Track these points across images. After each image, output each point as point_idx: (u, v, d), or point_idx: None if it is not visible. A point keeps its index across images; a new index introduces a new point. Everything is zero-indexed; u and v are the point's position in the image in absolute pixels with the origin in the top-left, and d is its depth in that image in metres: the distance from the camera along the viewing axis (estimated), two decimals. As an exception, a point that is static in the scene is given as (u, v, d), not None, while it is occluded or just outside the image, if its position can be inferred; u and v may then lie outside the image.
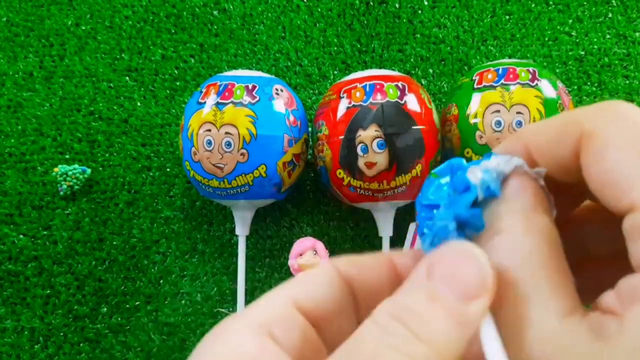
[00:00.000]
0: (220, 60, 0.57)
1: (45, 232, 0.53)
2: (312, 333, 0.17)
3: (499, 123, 0.42)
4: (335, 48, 0.56)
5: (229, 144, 0.43)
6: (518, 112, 0.42)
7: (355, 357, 0.14)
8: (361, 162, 0.43)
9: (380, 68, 0.55)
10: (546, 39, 0.55)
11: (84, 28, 0.58)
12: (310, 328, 0.17)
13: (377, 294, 0.18)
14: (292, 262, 0.50)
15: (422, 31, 0.56)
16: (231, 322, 0.17)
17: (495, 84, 0.43)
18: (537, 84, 0.43)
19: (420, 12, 0.57)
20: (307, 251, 0.49)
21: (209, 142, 0.44)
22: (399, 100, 0.43)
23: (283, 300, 0.17)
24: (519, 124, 0.42)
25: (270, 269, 0.52)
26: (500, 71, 0.44)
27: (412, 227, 0.50)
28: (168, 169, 0.54)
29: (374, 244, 0.51)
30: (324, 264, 0.19)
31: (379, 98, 0.43)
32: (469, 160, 0.44)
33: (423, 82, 0.55)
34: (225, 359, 0.15)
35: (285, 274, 0.51)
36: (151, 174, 0.54)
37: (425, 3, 0.57)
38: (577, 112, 0.16)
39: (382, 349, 0.14)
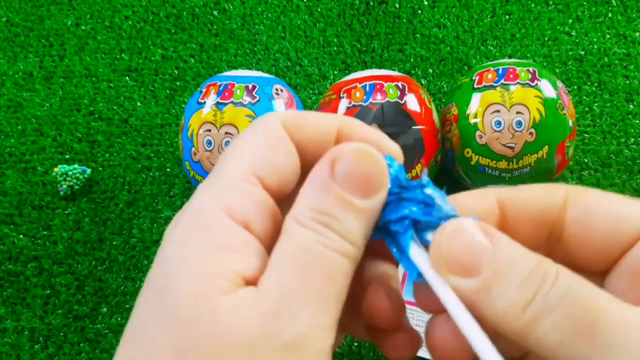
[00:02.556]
0: (220, 60, 0.57)
1: (45, 232, 0.53)
2: (277, 211, 0.18)
3: (498, 123, 0.42)
4: (335, 48, 0.56)
5: (229, 144, 0.43)
6: (518, 112, 0.42)
7: (300, 257, 0.15)
8: (361, 162, 0.43)
9: (380, 68, 0.55)
10: (546, 39, 0.55)
11: (84, 28, 0.58)
12: (275, 205, 0.17)
13: (314, 154, 0.18)
14: None
15: (422, 31, 0.56)
16: (207, 211, 0.16)
17: (495, 84, 0.43)
18: (537, 84, 0.43)
19: (420, 12, 0.57)
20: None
21: (209, 142, 0.44)
22: (399, 100, 0.43)
23: (249, 177, 0.17)
24: (519, 124, 0.42)
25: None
26: (500, 71, 0.44)
27: None
28: (168, 169, 0.54)
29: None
30: (273, 120, 0.18)
31: (379, 98, 0.43)
32: (468, 160, 0.44)
33: (423, 82, 0.55)
34: (212, 256, 0.16)
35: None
36: (151, 174, 0.54)
37: (425, 3, 0.57)
38: (554, 184, 0.18)
39: (321, 248, 0.16)
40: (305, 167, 0.18)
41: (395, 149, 0.19)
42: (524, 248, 0.16)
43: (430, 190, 0.17)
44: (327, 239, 0.16)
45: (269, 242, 0.17)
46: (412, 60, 0.56)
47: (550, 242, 0.17)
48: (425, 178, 0.18)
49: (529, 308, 0.15)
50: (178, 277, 0.15)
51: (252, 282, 0.16)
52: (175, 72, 0.56)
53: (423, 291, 0.18)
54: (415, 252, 0.17)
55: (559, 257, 0.17)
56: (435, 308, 0.17)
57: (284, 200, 0.18)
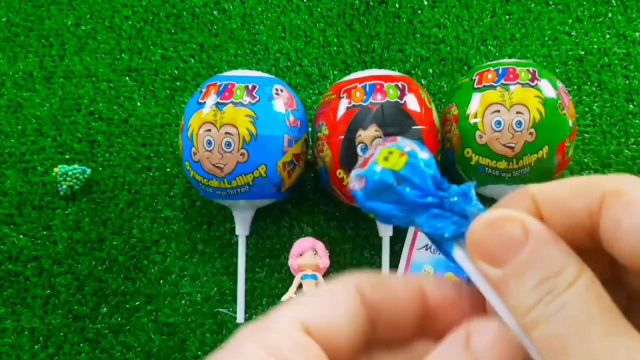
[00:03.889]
0: (220, 60, 0.57)
1: (45, 232, 0.53)
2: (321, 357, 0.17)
3: (498, 123, 0.42)
4: (335, 48, 0.56)
5: (228, 144, 0.43)
6: (518, 112, 0.42)
7: None
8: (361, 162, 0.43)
9: (380, 68, 0.55)
10: (546, 39, 0.55)
11: (83, 28, 0.58)
12: (322, 354, 0.17)
13: (399, 322, 0.18)
14: (292, 262, 0.50)
15: (422, 31, 0.56)
16: (244, 345, 0.16)
17: (495, 84, 0.43)
18: (537, 84, 0.43)
19: (420, 12, 0.57)
20: (307, 251, 0.49)
21: (209, 142, 0.44)
22: (398, 100, 0.43)
23: (294, 323, 0.16)
24: (519, 123, 0.42)
25: (270, 269, 0.52)
26: (500, 71, 0.44)
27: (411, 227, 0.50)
28: (168, 169, 0.54)
29: (373, 244, 0.51)
30: (344, 282, 0.17)
31: (379, 98, 0.43)
32: (468, 160, 0.44)
33: (423, 82, 0.55)
34: None
35: (285, 274, 0.51)
36: (151, 174, 0.54)
37: (425, 3, 0.57)
38: (591, 177, 0.16)
39: None
40: (390, 333, 0.18)
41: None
42: (556, 248, 0.16)
43: (473, 200, 0.17)
44: None
45: None
46: (412, 60, 0.56)
47: (594, 239, 0.17)
48: (471, 187, 0.17)
49: (532, 312, 0.15)
50: None
51: None
52: (175, 72, 0.56)
53: (469, 294, 0.18)
54: (459, 256, 0.17)
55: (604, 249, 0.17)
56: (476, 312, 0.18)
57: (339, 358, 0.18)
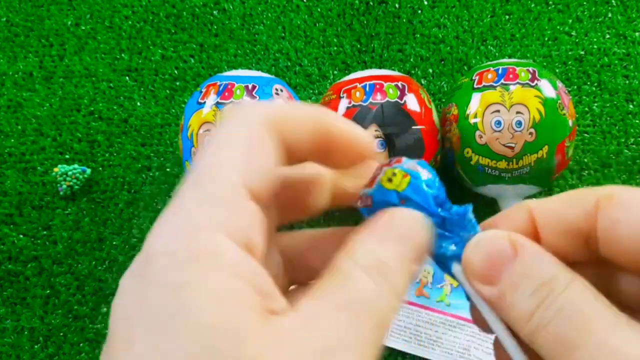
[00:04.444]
0: (220, 60, 0.57)
1: (45, 232, 0.53)
2: (265, 222, 0.17)
3: (498, 123, 0.42)
4: (335, 48, 0.56)
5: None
6: (518, 112, 0.42)
7: (358, 304, 0.16)
8: (361, 162, 0.43)
9: (380, 68, 0.55)
10: (546, 38, 0.55)
11: (83, 28, 0.58)
12: (264, 217, 0.17)
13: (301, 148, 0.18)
14: None
15: (422, 31, 0.56)
16: (206, 233, 0.15)
17: (495, 84, 0.43)
18: (536, 84, 0.43)
19: (420, 12, 0.57)
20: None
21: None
22: (398, 100, 0.43)
23: (243, 192, 0.16)
24: (519, 123, 0.42)
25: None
26: (500, 71, 0.44)
27: None
28: (168, 169, 0.54)
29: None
30: (258, 123, 0.17)
31: (378, 98, 0.43)
32: (468, 160, 0.44)
33: (423, 82, 0.55)
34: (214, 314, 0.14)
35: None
36: (151, 174, 0.54)
37: (425, 3, 0.57)
38: (585, 188, 0.17)
39: (380, 302, 0.16)
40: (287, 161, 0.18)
41: (368, 140, 0.19)
42: (547, 259, 0.16)
43: (469, 223, 0.18)
44: (387, 294, 0.16)
45: (264, 259, 0.16)
46: (412, 60, 0.56)
47: (590, 246, 0.17)
48: (469, 210, 0.18)
49: (532, 318, 0.16)
50: (200, 306, 0.13)
51: (273, 311, 0.15)
52: (175, 72, 0.56)
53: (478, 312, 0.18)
54: (459, 275, 0.18)
55: (602, 258, 0.17)
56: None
57: (269, 204, 0.18)
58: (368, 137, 0.19)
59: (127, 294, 0.15)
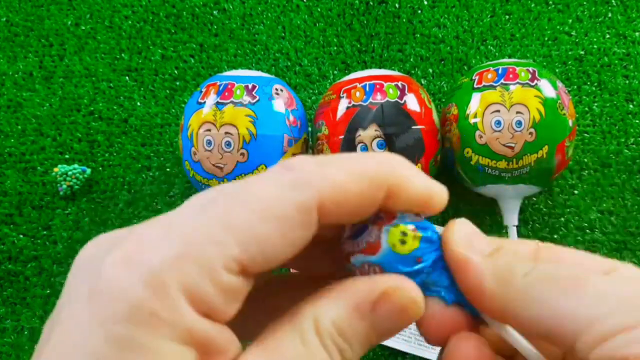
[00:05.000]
0: (220, 60, 0.57)
1: (45, 232, 0.53)
2: (246, 293, 0.15)
3: (498, 123, 0.42)
4: (335, 48, 0.56)
5: (228, 144, 0.43)
6: (518, 112, 0.42)
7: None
8: (361, 162, 0.43)
9: (380, 68, 0.55)
10: (546, 38, 0.55)
11: (83, 28, 0.58)
12: (247, 291, 0.15)
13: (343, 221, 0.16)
14: None
15: (422, 31, 0.56)
16: (169, 283, 0.14)
17: (495, 84, 0.43)
18: (536, 84, 0.43)
19: (420, 12, 0.57)
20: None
21: (209, 142, 0.44)
22: (398, 100, 0.43)
23: (229, 261, 0.14)
24: (519, 123, 0.42)
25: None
26: (500, 71, 0.44)
27: None
28: (168, 169, 0.54)
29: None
30: (307, 202, 0.15)
31: (378, 98, 0.43)
32: (468, 160, 0.44)
33: (423, 82, 0.55)
34: None
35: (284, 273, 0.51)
36: (151, 174, 0.54)
37: (425, 3, 0.57)
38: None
39: None
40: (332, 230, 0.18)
41: (442, 202, 0.18)
42: None
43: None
44: None
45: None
46: (412, 60, 0.56)
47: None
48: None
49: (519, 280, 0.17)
50: None
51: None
52: (175, 72, 0.56)
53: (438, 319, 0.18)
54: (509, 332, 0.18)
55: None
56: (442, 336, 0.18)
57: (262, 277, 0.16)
58: (444, 194, 0.17)
59: (70, 315, 0.14)
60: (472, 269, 0.17)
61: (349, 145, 0.43)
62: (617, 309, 0.14)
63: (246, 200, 0.15)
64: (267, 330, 0.16)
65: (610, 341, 0.14)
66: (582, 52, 0.55)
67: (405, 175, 0.16)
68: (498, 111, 0.42)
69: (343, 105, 0.44)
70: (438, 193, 0.17)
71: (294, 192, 0.15)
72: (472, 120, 0.43)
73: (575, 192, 0.51)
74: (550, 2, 0.56)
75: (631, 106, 0.53)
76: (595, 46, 0.55)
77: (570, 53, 0.55)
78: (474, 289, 0.17)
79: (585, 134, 0.52)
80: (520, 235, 0.49)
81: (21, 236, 0.53)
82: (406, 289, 0.16)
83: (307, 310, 0.16)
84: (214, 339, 0.14)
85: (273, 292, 0.20)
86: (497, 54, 0.55)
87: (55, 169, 0.52)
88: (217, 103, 0.44)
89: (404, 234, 0.16)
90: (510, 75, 0.43)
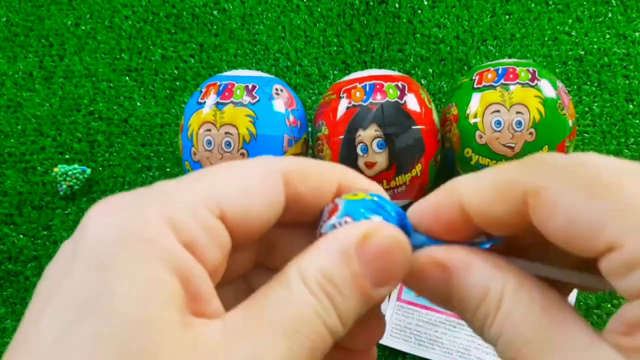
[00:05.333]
0: (220, 60, 0.57)
1: (45, 232, 0.53)
2: (228, 249, 0.16)
3: (498, 123, 0.42)
4: (335, 48, 0.56)
5: (228, 144, 0.43)
6: (518, 112, 0.42)
7: (291, 319, 0.14)
8: (361, 162, 0.43)
9: (380, 68, 0.55)
10: (546, 39, 0.55)
11: (83, 28, 0.58)
12: (229, 244, 0.16)
13: (310, 211, 0.17)
14: None
15: (422, 31, 0.56)
16: (145, 208, 0.14)
17: (495, 84, 0.43)
18: (537, 84, 0.43)
19: (420, 12, 0.57)
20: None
21: (209, 142, 0.44)
22: (398, 100, 0.43)
23: (209, 202, 0.15)
24: (519, 123, 0.42)
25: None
26: (500, 71, 0.44)
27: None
28: (168, 169, 0.54)
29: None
30: (272, 166, 0.17)
31: (378, 98, 0.43)
32: (468, 160, 0.44)
33: (423, 82, 0.55)
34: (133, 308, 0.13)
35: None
36: (151, 174, 0.54)
37: (425, 3, 0.57)
38: (511, 170, 0.16)
39: (316, 320, 0.15)
40: (297, 217, 0.18)
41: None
42: (476, 271, 0.16)
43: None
44: (326, 313, 0.15)
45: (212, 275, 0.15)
46: (412, 60, 0.56)
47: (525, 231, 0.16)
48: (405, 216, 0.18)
49: (483, 335, 0.16)
50: (118, 294, 0.13)
51: (201, 314, 0.14)
52: (175, 72, 0.56)
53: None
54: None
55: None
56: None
57: (244, 244, 0.17)
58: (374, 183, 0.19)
59: (56, 264, 0.14)
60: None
61: (349, 145, 0.43)
62: None
63: (223, 168, 0.17)
64: (257, 290, 0.16)
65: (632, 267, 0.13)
66: (582, 52, 0.55)
67: (348, 170, 0.18)
68: (498, 111, 0.42)
69: (343, 105, 0.44)
70: (371, 182, 0.19)
71: (262, 162, 0.17)
72: (472, 121, 0.43)
73: (575, 192, 0.51)
74: (550, 2, 0.56)
75: (631, 106, 0.53)
76: (595, 46, 0.55)
77: (570, 53, 0.55)
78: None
79: (585, 134, 0.52)
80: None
81: (21, 236, 0.53)
82: (386, 227, 0.16)
83: (291, 264, 0.16)
84: (196, 276, 0.14)
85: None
86: (497, 54, 0.55)
87: (55, 169, 0.52)
88: (217, 103, 0.44)
89: (355, 194, 0.18)
90: (510, 76, 0.43)
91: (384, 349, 0.47)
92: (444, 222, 0.17)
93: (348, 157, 0.44)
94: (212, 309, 0.14)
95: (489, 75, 0.44)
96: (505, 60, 0.47)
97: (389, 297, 0.48)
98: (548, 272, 0.16)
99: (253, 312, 0.15)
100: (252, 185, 0.16)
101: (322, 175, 0.17)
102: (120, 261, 0.13)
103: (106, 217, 0.14)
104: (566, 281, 0.17)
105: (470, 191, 0.16)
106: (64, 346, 0.12)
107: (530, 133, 0.42)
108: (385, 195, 0.18)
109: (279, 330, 0.14)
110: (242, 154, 0.44)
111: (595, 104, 0.53)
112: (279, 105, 0.45)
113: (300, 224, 0.19)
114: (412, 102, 0.44)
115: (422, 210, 0.17)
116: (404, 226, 0.17)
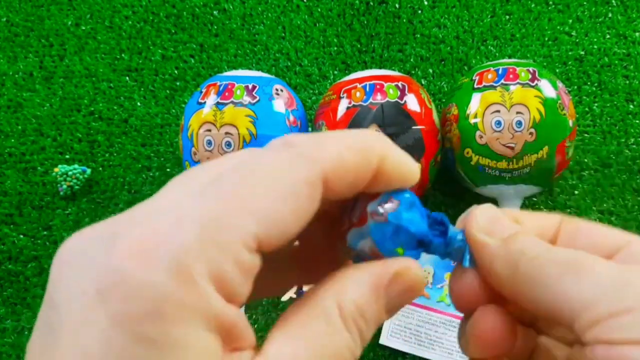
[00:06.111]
0: (220, 60, 0.57)
1: (45, 232, 0.53)
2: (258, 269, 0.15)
3: (498, 123, 0.42)
4: (335, 48, 0.56)
5: (229, 144, 0.43)
6: (518, 112, 0.42)
7: (324, 349, 0.15)
8: (361, 162, 0.43)
9: (380, 68, 0.55)
10: (546, 39, 0.55)
11: (84, 28, 0.58)
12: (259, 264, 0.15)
13: (342, 198, 0.17)
14: None
15: (422, 31, 0.56)
16: (191, 266, 0.13)
17: (495, 84, 0.43)
18: (537, 84, 0.43)
19: (420, 12, 0.57)
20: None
21: (209, 142, 0.44)
22: (399, 100, 0.43)
23: (247, 240, 0.14)
24: (519, 124, 0.42)
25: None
26: (500, 71, 0.44)
27: None
28: (168, 169, 0.54)
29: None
30: (312, 174, 0.15)
31: (379, 98, 0.43)
32: (468, 160, 0.44)
33: (423, 82, 0.55)
34: None
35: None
36: (151, 174, 0.54)
37: (425, 3, 0.57)
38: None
39: (343, 346, 0.16)
40: (330, 206, 0.18)
41: (417, 173, 0.19)
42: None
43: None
44: (355, 346, 0.16)
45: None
46: (412, 60, 0.56)
47: None
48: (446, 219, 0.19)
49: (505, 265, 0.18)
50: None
51: (237, 349, 0.14)
52: (175, 72, 0.56)
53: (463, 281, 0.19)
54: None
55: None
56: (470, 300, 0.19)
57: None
58: (417, 168, 0.19)
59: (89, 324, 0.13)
60: (487, 253, 0.18)
61: (349, 145, 0.43)
62: (609, 294, 0.15)
63: (255, 177, 0.15)
64: (288, 314, 0.16)
65: (601, 325, 0.15)
66: (583, 53, 0.55)
67: (389, 146, 0.18)
68: (498, 111, 0.42)
69: (343, 105, 0.44)
70: (413, 165, 0.18)
71: (301, 167, 0.15)
72: (472, 121, 0.43)
73: (576, 192, 0.51)
74: (551, 3, 0.56)
75: (631, 106, 0.53)
76: (595, 46, 0.55)
77: (570, 53, 0.55)
78: (488, 270, 0.18)
79: (586, 134, 0.52)
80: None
81: (21, 236, 0.53)
82: (414, 268, 0.17)
83: (328, 294, 0.16)
84: (237, 324, 0.14)
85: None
86: (497, 54, 0.55)
87: (56, 169, 0.52)
88: (218, 103, 0.44)
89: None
90: (511, 76, 0.43)
91: (384, 349, 0.47)
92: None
93: (348, 157, 0.44)
94: (245, 343, 0.15)
95: (489, 76, 0.44)
96: (506, 60, 0.47)
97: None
98: None
99: (293, 342, 0.15)
100: (291, 208, 0.15)
101: (361, 167, 0.16)
102: (169, 336, 0.13)
103: (143, 272, 0.13)
104: None
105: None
106: None
107: (531, 133, 0.42)
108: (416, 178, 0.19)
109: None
110: (242, 154, 0.44)
111: (596, 104, 0.53)
112: (279, 105, 0.45)
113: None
114: (412, 102, 0.44)
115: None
116: (442, 223, 0.19)
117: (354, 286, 0.16)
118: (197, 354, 0.13)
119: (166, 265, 0.13)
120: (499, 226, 0.19)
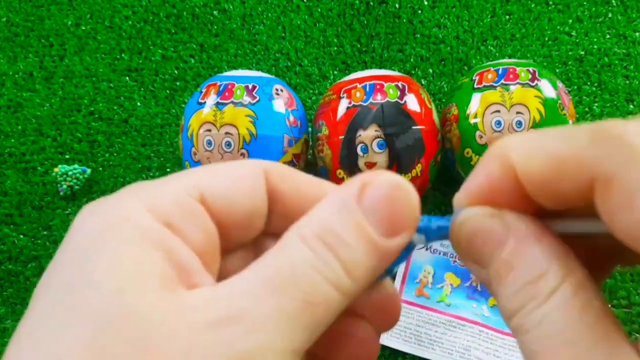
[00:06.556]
0: (220, 60, 0.57)
1: (45, 232, 0.53)
2: (215, 235, 0.15)
3: (499, 123, 0.42)
4: (335, 48, 0.56)
5: (229, 144, 0.43)
6: (518, 112, 0.42)
7: (282, 274, 0.14)
8: (361, 162, 0.43)
9: (380, 68, 0.55)
10: (546, 39, 0.55)
11: (84, 28, 0.58)
12: (214, 229, 0.15)
13: (294, 216, 0.16)
14: None
15: (422, 31, 0.56)
16: (123, 198, 0.15)
17: (495, 84, 0.43)
18: (537, 84, 0.43)
19: (420, 12, 0.57)
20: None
21: (209, 142, 0.44)
22: (399, 100, 0.43)
23: (188, 188, 0.15)
24: (519, 124, 0.42)
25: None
26: (500, 71, 0.44)
27: None
28: (168, 169, 0.54)
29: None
30: (252, 163, 0.16)
31: (379, 98, 0.43)
32: (468, 160, 0.44)
33: (423, 82, 0.55)
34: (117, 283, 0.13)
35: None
36: (151, 174, 0.54)
37: (425, 3, 0.57)
38: (576, 143, 0.13)
39: (311, 272, 0.14)
40: (288, 224, 0.16)
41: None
42: (539, 248, 0.14)
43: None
44: (325, 265, 0.14)
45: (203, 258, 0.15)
46: (412, 60, 0.56)
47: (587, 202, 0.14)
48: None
49: (513, 319, 0.14)
50: (99, 270, 0.13)
51: (192, 286, 0.14)
52: (175, 72, 0.56)
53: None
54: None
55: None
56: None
57: (236, 240, 0.16)
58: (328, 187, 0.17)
59: (54, 262, 0.15)
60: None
61: (349, 145, 0.43)
62: None
63: (201, 168, 0.16)
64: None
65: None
66: (583, 53, 0.55)
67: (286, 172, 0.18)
68: (498, 111, 0.42)
69: (343, 105, 0.44)
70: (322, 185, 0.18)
71: (243, 161, 0.17)
72: (472, 121, 0.43)
73: (576, 192, 0.51)
74: (551, 3, 0.56)
75: (631, 106, 0.53)
76: (595, 46, 0.55)
77: (570, 53, 0.55)
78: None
79: (586, 134, 0.52)
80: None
81: (21, 236, 0.53)
82: (384, 174, 0.15)
83: (292, 226, 0.15)
84: (179, 250, 0.14)
85: None
86: (497, 54, 0.55)
87: (56, 169, 0.52)
88: (218, 103, 0.44)
89: None
90: (511, 76, 0.43)
91: (384, 348, 0.47)
92: (502, 202, 0.15)
93: (348, 157, 0.44)
94: (203, 279, 0.14)
95: (489, 76, 0.44)
96: (506, 60, 0.47)
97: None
98: (597, 228, 0.14)
99: (244, 274, 0.14)
100: (231, 174, 0.16)
101: (302, 179, 0.17)
102: (101, 242, 0.14)
103: (88, 212, 0.15)
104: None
105: (525, 160, 0.14)
106: (52, 320, 0.13)
107: (531, 133, 0.42)
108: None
109: (268, 286, 0.13)
110: (242, 154, 0.44)
111: (596, 104, 0.53)
112: (279, 105, 0.45)
113: None
114: (412, 102, 0.44)
115: (472, 192, 0.15)
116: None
117: (317, 210, 0.15)
118: (131, 255, 0.14)
119: (109, 203, 0.16)
120: (489, 249, 0.15)
